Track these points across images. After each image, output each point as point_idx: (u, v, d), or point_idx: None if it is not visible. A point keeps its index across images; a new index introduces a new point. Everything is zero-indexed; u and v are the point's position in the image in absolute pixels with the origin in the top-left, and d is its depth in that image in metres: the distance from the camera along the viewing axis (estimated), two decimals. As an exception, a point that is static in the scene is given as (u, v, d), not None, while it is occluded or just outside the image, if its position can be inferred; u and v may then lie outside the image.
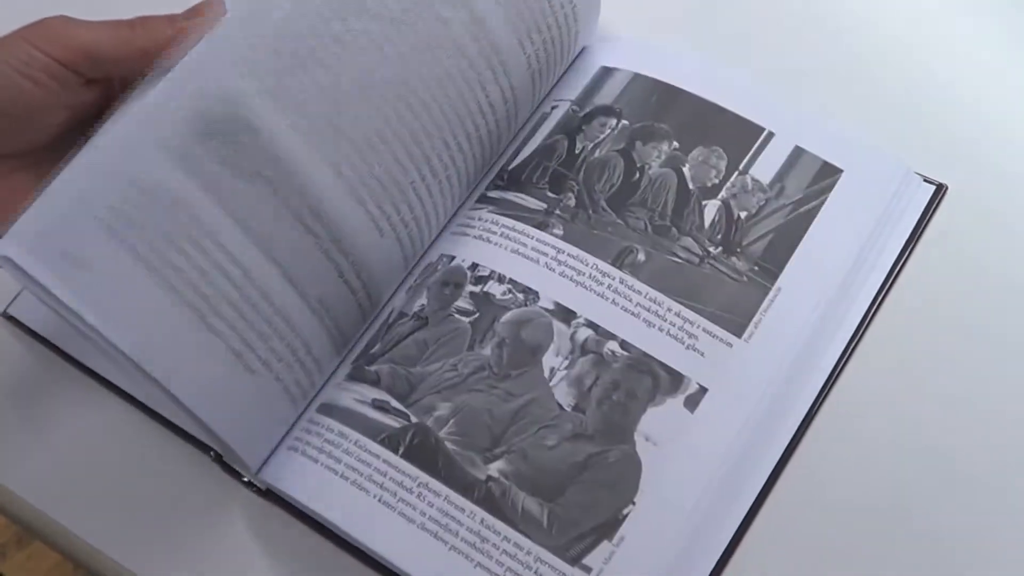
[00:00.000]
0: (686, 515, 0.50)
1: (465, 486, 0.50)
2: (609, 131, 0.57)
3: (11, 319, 0.57)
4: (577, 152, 0.57)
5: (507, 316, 0.53)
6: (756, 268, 0.54)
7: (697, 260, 0.54)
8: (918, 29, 0.61)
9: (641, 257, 0.54)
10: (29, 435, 0.55)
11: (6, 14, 0.49)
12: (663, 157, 0.56)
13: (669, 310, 0.53)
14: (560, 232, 0.54)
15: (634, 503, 0.50)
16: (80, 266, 0.44)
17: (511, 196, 0.56)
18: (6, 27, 0.47)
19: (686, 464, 0.50)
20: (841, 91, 0.60)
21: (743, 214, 0.55)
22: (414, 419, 0.51)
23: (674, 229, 0.55)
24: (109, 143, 0.45)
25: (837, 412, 0.52)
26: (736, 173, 0.56)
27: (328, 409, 0.52)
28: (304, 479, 0.51)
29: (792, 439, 0.52)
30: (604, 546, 0.49)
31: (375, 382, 0.52)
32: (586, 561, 0.49)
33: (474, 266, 0.54)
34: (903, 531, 0.50)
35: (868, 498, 0.51)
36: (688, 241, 0.55)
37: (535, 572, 0.48)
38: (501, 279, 0.54)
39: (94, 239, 0.45)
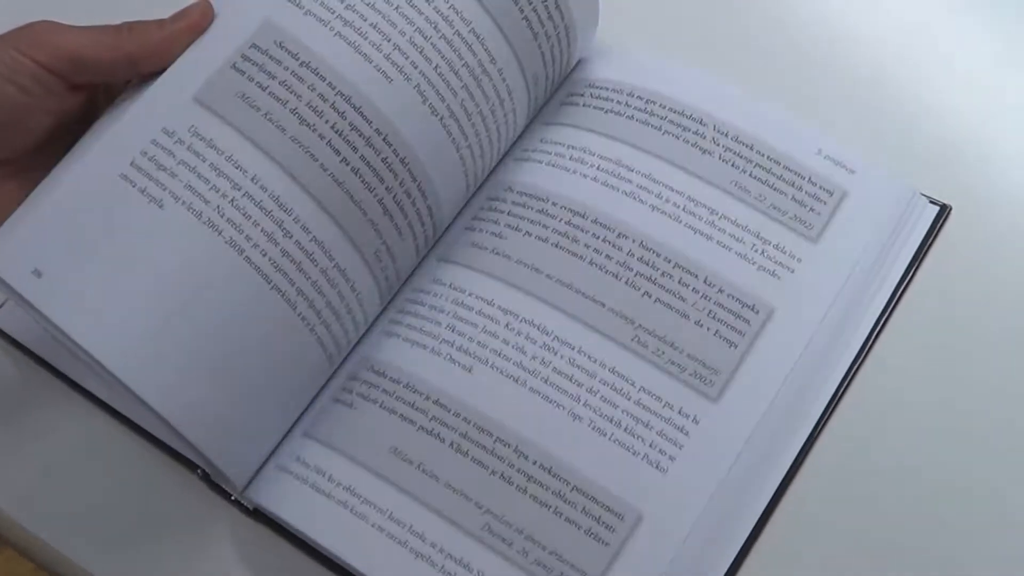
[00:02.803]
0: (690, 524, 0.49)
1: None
2: None
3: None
4: None
5: None
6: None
7: None
8: (920, 50, 0.61)
9: None
10: (9, 445, 0.54)
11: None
12: None
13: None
14: None
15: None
16: (61, 277, 0.43)
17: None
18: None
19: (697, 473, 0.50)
20: (844, 112, 0.59)
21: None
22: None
23: None
24: (91, 150, 0.45)
25: (842, 430, 0.52)
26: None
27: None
28: (293, 499, 0.50)
29: (795, 460, 0.51)
30: None
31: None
32: None
33: None
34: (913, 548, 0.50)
35: (869, 520, 0.50)
36: None
37: None
38: None
39: (76, 249, 0.44)
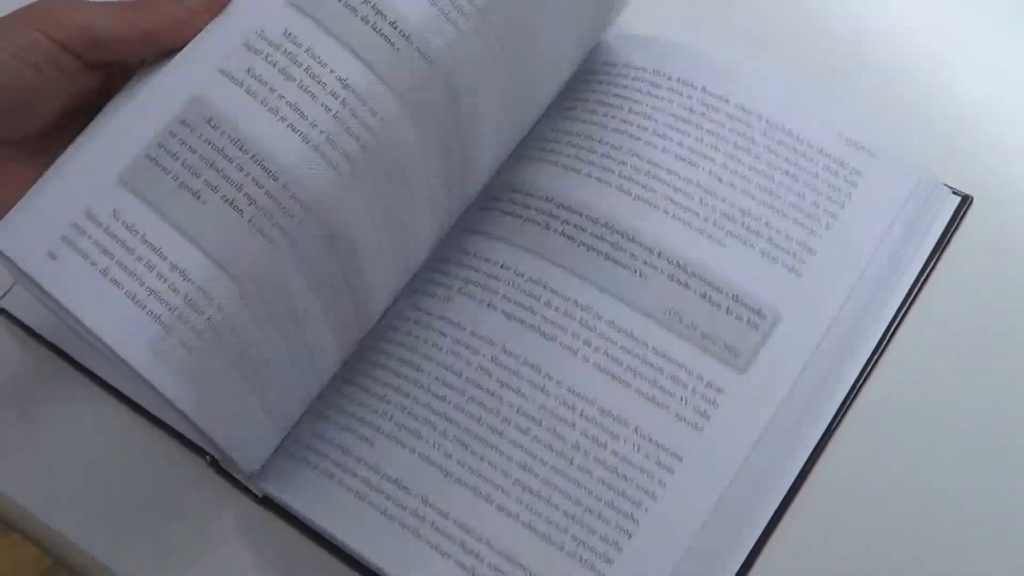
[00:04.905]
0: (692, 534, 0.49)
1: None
2: None
3: (3, 313, 0.56)
4: None
5: None
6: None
7: None
8: (945, 40, 0.60)
9: None
10: (18, 432, 0.54)
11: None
12: None
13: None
14: None
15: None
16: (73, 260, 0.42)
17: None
18: (3, 9, 0.45)
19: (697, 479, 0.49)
20: (866, 101, 0.59)
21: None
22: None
23: None
24: (103, 131, 0.44)
25: (858, 426, 0.51)
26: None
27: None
28: (303, 487, 0.50)
29: (811, 454, 0.51)
30: None
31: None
32: None
33: None
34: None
35: (891, 506, 0.50)
36: None
37: None
38: None
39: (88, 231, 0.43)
